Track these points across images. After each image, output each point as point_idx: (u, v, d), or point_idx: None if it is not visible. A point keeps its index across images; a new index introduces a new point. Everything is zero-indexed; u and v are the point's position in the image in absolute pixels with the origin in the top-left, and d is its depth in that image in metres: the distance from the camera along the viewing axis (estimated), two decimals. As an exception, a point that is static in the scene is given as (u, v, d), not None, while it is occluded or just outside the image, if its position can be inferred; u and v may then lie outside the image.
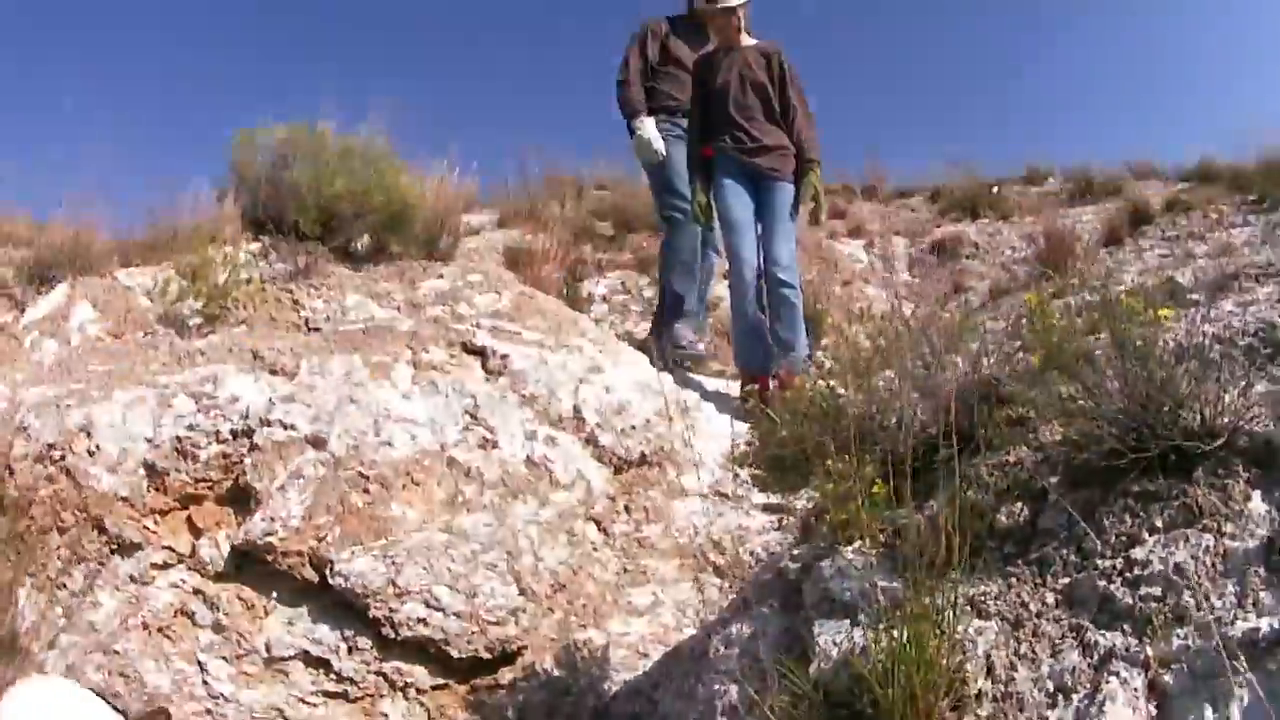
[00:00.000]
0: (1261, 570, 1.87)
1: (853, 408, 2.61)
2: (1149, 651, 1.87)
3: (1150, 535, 2.03)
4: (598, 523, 3.88)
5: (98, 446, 3.53)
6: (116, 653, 3.33)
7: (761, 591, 2.66)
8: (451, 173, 5.62)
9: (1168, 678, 1.84)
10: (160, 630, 3.41)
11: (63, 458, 3.50)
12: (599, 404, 4.26)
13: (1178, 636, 1.86)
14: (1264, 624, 1.78)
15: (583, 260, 7.95)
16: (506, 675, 3.46)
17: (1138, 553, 2.01)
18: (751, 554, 3.92)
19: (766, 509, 4.13)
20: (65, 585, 3.39)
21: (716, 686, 2.43)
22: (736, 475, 4.19)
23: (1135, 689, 1.84)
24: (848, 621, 2.22)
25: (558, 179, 9.42)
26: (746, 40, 5.17)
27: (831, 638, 2.19)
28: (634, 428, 4.23)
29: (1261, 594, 1.84)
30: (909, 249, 9.36)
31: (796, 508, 4.01)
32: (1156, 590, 1.95)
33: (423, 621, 3.39)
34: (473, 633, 3.41)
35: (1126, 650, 1.90)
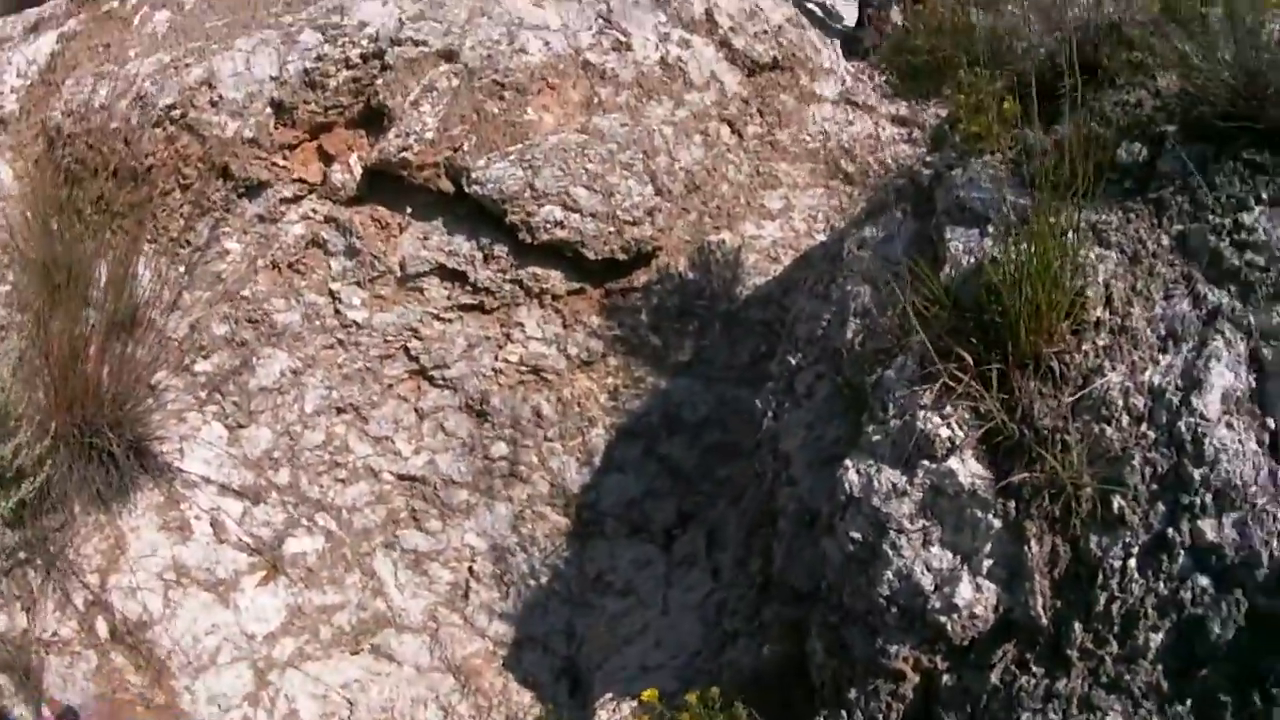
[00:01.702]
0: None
1: (982, 28, 2.47)
2: (1252, 319, 1.87)
3: (1257, 205, 1.98)
4: (730, 124, 3.84)
5: (221, 96, 3.53)
6: (244, 298, 3.46)
7: (895, 196, 2.70)
8: None
9: (1267, 351, 1.85)
10: (290, 266, 3.53)
11: (183, 115, 3.50)
12: (731, 7, 4.09)
13: (1277, 313, 1.85)
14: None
15: None
16: (641, 278, 3.58)
17: (1246, 218, 1.98)
18: (881, 164, 3.89)
19: (895, 120, 4.05)
20: (189, 242, 3.48)
21: (849, 287, 2.54)
22: (871, 78, 4.01)
23: (1238, 354, 1.86)
24: (977, 231, 2.27)
25: None
26: None
27: (962, 243, 2.26)
28: (765, 32, 4.08)
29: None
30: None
31: (925, 122, 3.95)
32: (1261, 260, 1.92)
33: (559, 224, 3.47)
34: (609, 233, 3.49)
35: (1232, 312, 1.91)
